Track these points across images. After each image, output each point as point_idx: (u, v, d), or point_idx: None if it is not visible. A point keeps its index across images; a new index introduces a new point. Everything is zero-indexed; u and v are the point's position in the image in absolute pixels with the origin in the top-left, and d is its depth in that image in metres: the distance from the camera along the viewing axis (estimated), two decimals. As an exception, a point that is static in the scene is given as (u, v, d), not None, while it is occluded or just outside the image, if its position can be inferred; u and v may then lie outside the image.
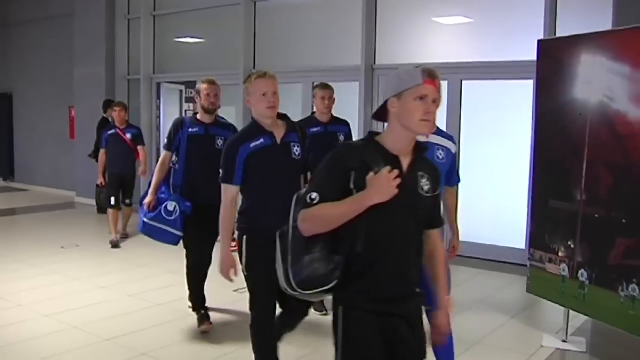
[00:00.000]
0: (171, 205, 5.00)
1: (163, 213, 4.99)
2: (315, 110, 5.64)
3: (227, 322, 5.36)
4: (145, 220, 5.09)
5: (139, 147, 8.67)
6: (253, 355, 3.74)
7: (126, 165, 8.60)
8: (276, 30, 9.89)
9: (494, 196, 7.78)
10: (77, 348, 4.76)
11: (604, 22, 6.21)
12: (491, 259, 7.54)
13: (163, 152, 5.33)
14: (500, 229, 7.72)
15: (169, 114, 11.90)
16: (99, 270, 7.10)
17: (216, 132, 5.17)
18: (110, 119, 10.90)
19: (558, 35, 6.79)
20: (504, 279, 6.91)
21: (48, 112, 13.55)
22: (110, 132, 8.67)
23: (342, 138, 5.49)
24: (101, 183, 8.71)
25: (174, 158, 5.17)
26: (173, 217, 5.00)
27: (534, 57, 5.20)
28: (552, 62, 4.99)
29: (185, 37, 11.30)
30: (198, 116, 5.25)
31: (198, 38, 11.15)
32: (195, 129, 5.14)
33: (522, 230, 6.98)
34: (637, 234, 4.23)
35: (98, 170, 8.72)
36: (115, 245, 8.28)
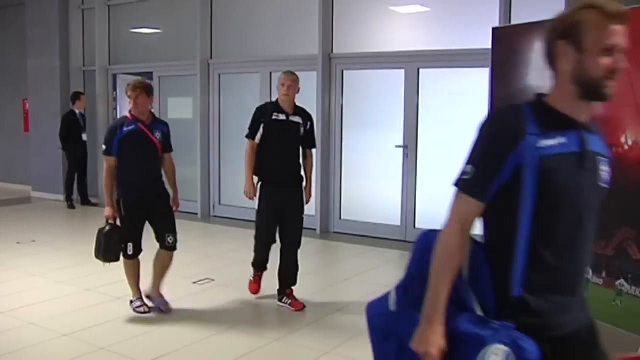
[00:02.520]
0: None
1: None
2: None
3: (188, 314, 5.32)
4: None
5: (166, 155, 5.45)
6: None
7: (154, 181, 5.34)
8: (233, 20, 9.82)
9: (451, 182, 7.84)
10: (34, 344, 4.68)
11: (556, 10, 6.27)
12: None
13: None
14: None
15: (126, 106, 11.74)
16: (56, 264, 6.99)
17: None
18: (78, 112, 10.75)
19: (513, 23, 6.86)
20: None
21: (0, 105, 13.27)
22: (127, 129, 5.19)
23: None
24: (112, 217, 5.17)
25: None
26: None
27: (489, 45, 5.25)
28: (506, 49, 5.05)
29: (141, 27, 11.15)
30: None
31: (154, 28, 11.01)
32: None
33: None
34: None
35: (104, 194, 5.26)
36: (146, 311, 5.34)
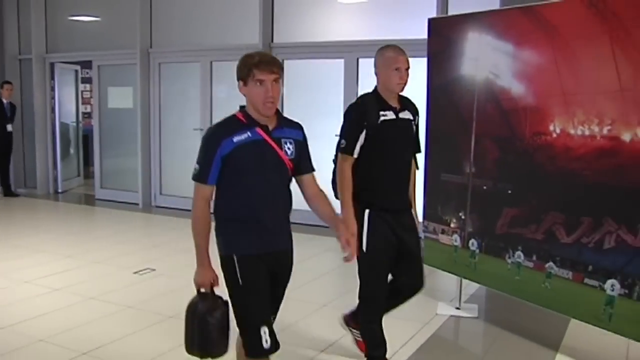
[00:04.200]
0: None
1: None
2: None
3: (129, 304, 5.30)
4: None
5: (306, 177, 3.22)
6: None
7: (282, 224, 3.17)
8: (174, 8, 9.73)
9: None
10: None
11: (491, 2, 6.43)
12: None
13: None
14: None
15: (64, 95, 11.55)
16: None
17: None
18: (6, 102, 10.50)
19: (450, 13, 6.99)
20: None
21: None
22: (241, 139, 2.96)
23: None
24: (209, 283, 3.07)
25: None
26: None
27: (426, 35, 5.36)
28: (442, 39, 5.16)
29: (79, 15, 10.93)
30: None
31: (93, 16, 10.81)
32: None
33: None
34: (522, 203, 4.48)
35: (196, 242, 3.05)
36: None
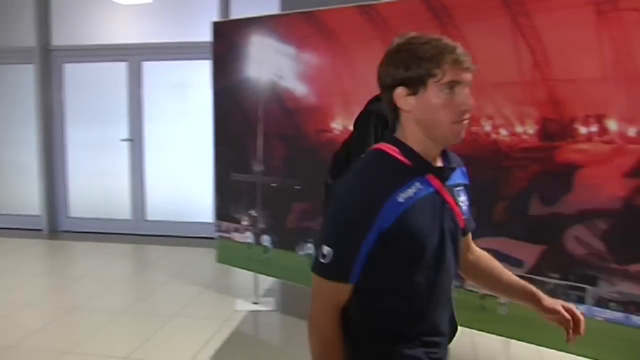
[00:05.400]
0: None
1: None
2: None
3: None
4: None
5: (468, 236, 1.97)
6: None
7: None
8: None
9: (182, 174, 7.98)
10: None
11: (271, 6, 6.67)
12: (183, 235, 7.75)
13: None
14: (189, 205, 7.97)
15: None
16: None
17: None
18: None
19: (233, 17, 7.14)
20: (195, 253, 7.15)
21: None
22: (409, 196, 1.60)
23: None
24: None
25: None
26: None
27: (210, 38, 5.45)
28: (226, 42, 5.28)
29: None
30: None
31: None
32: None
33: (209, 205, 7.27)
34: (310, 198, 4.73)
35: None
36: None
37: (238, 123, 5.23)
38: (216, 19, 6.75)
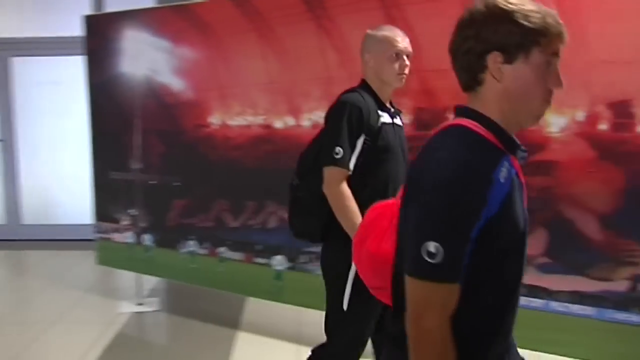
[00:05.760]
0: None
1: None
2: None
3: None
4: None
5: None
6: None
7: None
8: None
9: (58, 175, 7.69)
10: None
11: (146, 2, 6.51)
12: (61, 239, 7.47)
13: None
14: (66, 207, 7.68)
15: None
16: None
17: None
18: None
19: (106, 10, 6.91)
20: (75, 256, 6.90)
21: None
22: (506, 180, 1.39)
23: None
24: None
25: None
26: None
27: (82, 33, 5.25)
28: (99, 37, 5.12)
29: None
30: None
31: None
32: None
33: (87, 205, 7.05)
34: (191, 194, 4.67)
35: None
36: None
37: (115, 120, 5.08)
38: (88, 12, 6.52)
